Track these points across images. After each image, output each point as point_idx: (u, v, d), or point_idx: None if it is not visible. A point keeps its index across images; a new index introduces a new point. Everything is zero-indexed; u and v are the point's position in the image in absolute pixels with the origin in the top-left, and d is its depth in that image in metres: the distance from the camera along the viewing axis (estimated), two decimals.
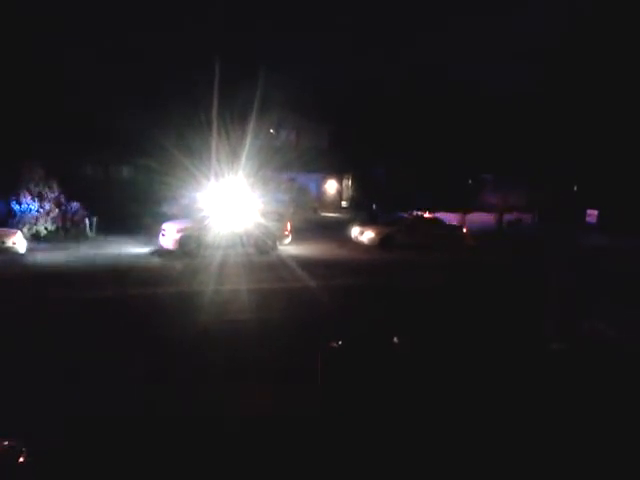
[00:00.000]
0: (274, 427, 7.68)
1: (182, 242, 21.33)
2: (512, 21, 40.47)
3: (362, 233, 25.20)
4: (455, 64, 38.86)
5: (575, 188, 38.81)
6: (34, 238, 23.57)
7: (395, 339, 9.31)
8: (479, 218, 33.28)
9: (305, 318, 13.03)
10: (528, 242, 28.46)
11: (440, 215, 28.24)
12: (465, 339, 10.98)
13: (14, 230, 21.08)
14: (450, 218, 29.74)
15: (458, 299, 15.28)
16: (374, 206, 33.45)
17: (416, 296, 15.49)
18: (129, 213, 26.24)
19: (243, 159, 28.04)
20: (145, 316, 13.11)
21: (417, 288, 16.70)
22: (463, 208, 32.70)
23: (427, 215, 26.75)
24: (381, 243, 24.43)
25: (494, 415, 7.88)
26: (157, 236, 22.21)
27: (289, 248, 23.32)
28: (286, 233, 23.36)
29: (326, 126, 40.49)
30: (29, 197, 24.44)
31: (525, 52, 39.14)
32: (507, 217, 34.39)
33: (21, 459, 5.37)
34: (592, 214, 34.85)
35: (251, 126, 30.75)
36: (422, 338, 10.57)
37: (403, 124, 37.04)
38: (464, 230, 26.85)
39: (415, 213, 27.18)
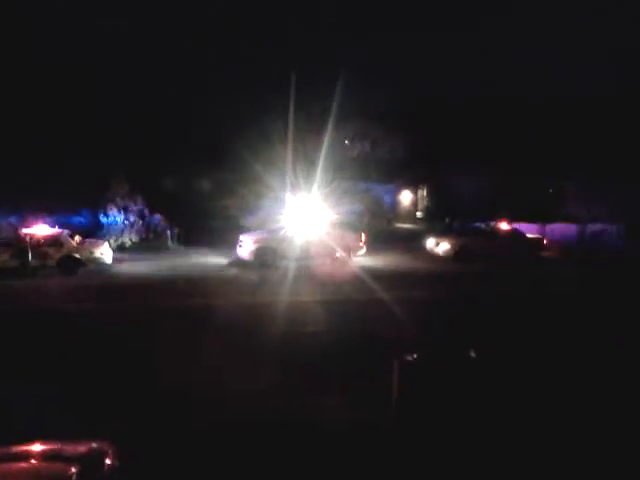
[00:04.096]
0: (349, 439, 7.68)
1: (259, 253, 21.75)
2: (594, 21, 38.69)
3: (437, 244, 24.79)
4: (533, 64, 37.41)
5: None
6: (119, 249, 24.72)
7: (472, 353, 9.10)
8: (560, 229, 31.98)
9: (380, 330, 12.96)
10: (612, 257, 26.89)
11: (519, 226, 27.35)
12: (542, 354, 10.62)
13: (102, 241, 22.16)
14: (529, 229, 28.72)
15: (535, 313, 14.75)
16: (447, 219, 32.85)
17: (492, 309, 15.09)
18: (208, 225, 27.07)
19: (318, 170, 28.30)
20: (224, 325, 13.45)
21: (493, 301, 16.27)
22: (543, 218, 31.55)
23: (505, 226, 25.94)
24: (457, 255, 23.92)
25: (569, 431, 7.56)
26: (234, 247, 22.75)
27: (364, 259, 23.27)
28: (361, 244, 23.34)
29: (401, 136, 40.19)
30: (115, 210, 25.71)
31: (607, 52, 37.47)
32: (590, 228, 32.87)
33: (109, 460, 5.61)
34: None
35: (327, 137, 30.99)
36: (499, 352, 10.29)
37: (480, 132, 36.26)
38: (544, 242, 25.85)
39: (492, 224, 26.43)
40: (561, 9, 38.78)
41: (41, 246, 20.13)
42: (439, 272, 21.72)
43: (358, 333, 12.78)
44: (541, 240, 26.14)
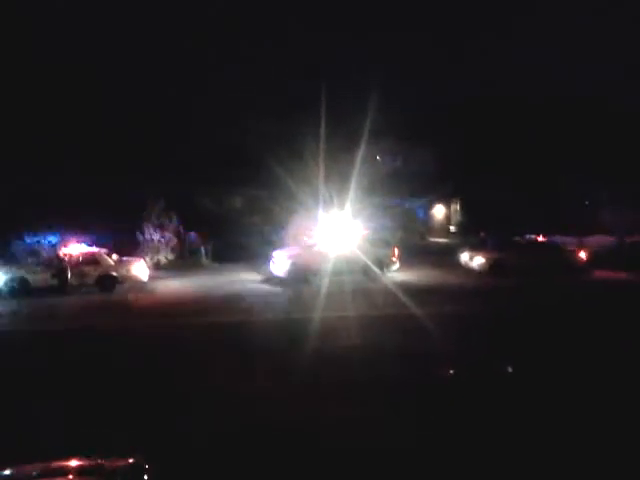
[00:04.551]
0: (383, 455, 7.57)
1: (292, 270, 21.79)
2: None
3: (472, 258, 24.48)
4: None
5: None
6: (155, 266, 25.08)
7: (509, 368, 8.95)
8: (597, 241, 31.20)
9: (415, 346, 12.81)
10: None
11: (555, 239, 26.82)
12: (579, 370, 10.35)
13: (138, 259, 22.52)
14: (566, 241, 28.10)
15: (574, 329, 14.37)
16: (481, 233, 32.39)
17: (529, 324, 14.77)
18: (242, 241, 27.28)
19: (351, 186, 28.33)
20: (260, 341, 13.49)
21: (528, 315, 15.94)
22: (580, 230, 30.88)
23: (541, 239, 25.48)
24: (492, 269, 23.57)
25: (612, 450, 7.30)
26: (268, 264, 22.84)
27: (397, 274, 23.11)
28: (394, 259, 23.21)
29: (433, 150, 40.02)
30: (151, 228, 26.13)
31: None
32: (630, 240, 31.94)
33: (146, 476, 5.64)
34: None
35: (359, 153, 31.05)
36: (537, 368, 10.07)
37: (513, 144, 35.85)
38: (582, 255, 25.24)
39: (528, 237, 26.00)
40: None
41: (79, 265, 20.58)
42: (474, 286, 21.42)
43: (393, 348, 12.65)
44: (578, 252, 25.55)
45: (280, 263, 22.15)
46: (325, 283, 20.72)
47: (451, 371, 8.63)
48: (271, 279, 22.28)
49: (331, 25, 38.11)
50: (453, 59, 36.69)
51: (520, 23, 41.39)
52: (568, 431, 7.90)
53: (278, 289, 20.83)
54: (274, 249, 23.85)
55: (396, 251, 23.49)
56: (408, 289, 19.96)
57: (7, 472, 5.47)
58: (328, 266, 21.66)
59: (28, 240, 25.76)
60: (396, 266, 23.30)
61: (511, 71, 36.31)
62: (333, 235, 23.18)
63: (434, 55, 36.57)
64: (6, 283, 19.90)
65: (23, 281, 20.05)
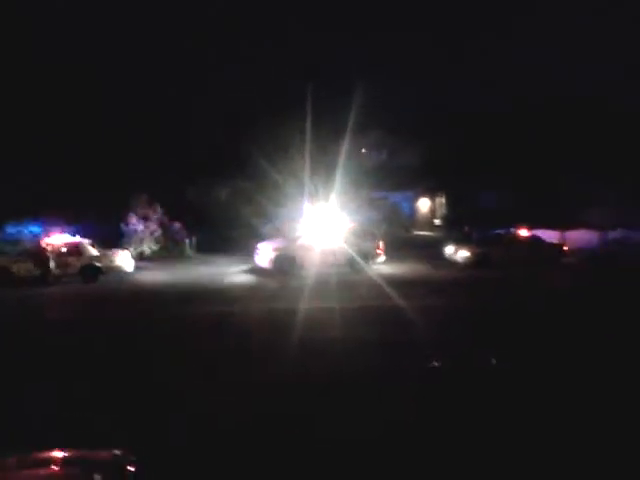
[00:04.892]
0: (371, 448, 7.61)
1: (277, 261, 21.80)
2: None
3: (456, 252, 24.67)
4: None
5: None
6: (140, 257, 24.94)
7: (493, 360, 9.02)
8: (580, 235, 31.55)
9: (400, 338, 12.87)
10: (633, 264, 26.22)
11: (538, 232, 27.08)
12: (562, 362, 10.48)
13: (122, 250, 22.38)
14: (549, 235, 28.41)
15: (556, 321, 14.55)
16: (466, 227, 32.58)
17: (511, 317, 14.92)
18: (227, 233, 27.22)
19: (336, 179, 28.36)
20: (245, 331, 13.48)
21: (512, 308, 16.10)
22: (563, 225, 31.21)
23: (524, 233, 25.71)
24: (476, 262, 23.78)
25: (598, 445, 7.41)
26: (253, 255, 22.81)
27: (382, 267, 23.21)
28: (379, 252, 23.30)
29: (418, 144, 40.16)
30: (135, 219, 25.96)
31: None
32: (612, 235, 32.33)
33: (130, 468, 5.62)
34: None
35: (344, 146, 31.06)
36: (520, 360, 10.17)
37: (497, 140, 36.08)
38: (564, 248, 25.59)
39: (512, 231, 26.22)
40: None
41: (62, 255, 20.42)
42: (458, 279, 21.59)
43: (377, 340, 12.70)
44: (561, 246, 25.90)
45: (265, 255, 22.14)
46: (310, 275, 20.76)
47: (435, 363, 8.67)
48: (256, 271, 22.26)
49: (326, 24, 38.06)
50: (453, 59, 36.83)
51: (520, 23, 41.66)
52: (552, 424, 8.00)
53: (262, 281, 20.81)
54: (259, 241, 23.81)
55: (381, 244, 23.58)
56: (393, 281, 20.05)
57: None
58: (313, 258, 21.72)
59: (10, 230, 25.48)
60: (381, 259, 23.40)
61: (511, 71, 36.52)
62: (318, 227, 23.20)
63: (433, 55, 36.67)
64: None
65: (4, 270, 19.85)
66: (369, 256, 22.85)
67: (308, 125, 30.53)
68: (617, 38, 37.79)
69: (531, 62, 37.25)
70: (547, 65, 37.60)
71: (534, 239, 25.52)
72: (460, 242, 26.30)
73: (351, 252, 22.28)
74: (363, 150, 39.61)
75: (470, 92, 36.47)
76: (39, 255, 20.12)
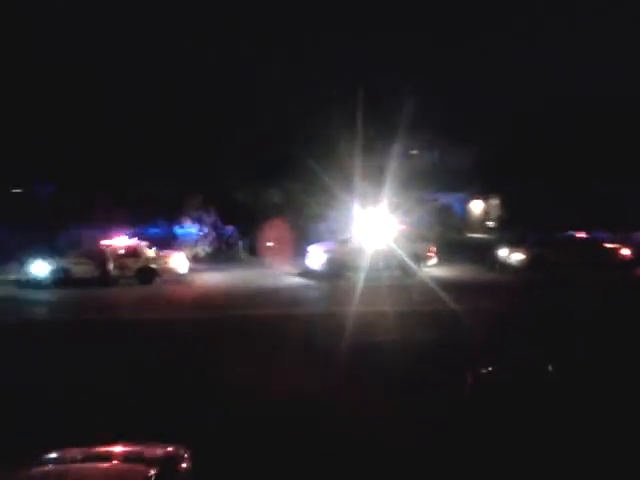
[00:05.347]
0: (419, 454, 7.56)
1: (327, 264, 21.84)
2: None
3: (510, 254, 24.12)
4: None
5: None
6: (194, 259, 25.43)
7: (550, 367, 8.79)
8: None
9: (452, 342, 12.73)
10: None
11: (599, 235, 26.13)
12: (622, 370, 10.10)
13: (177, 252, 22.86)
14: (611, 237, 27.32)
15: (614, 327, 14.02)
16: (521, 228, 31.77)
17: (569, 321, 14.48)
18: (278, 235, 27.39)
19: (387, 180, 28.18)
20: (297, 335, 13.60)
21: (568, 313, 15.61)
22: (624, 227, 30.04)
23: (581, 235, 24.87)
24: (531, 265, 23.18)
25: None
26: (304, 258, 22.91)
27: (434, 270, 22.90)
28: (430, 255, 23.00)
29: (471, 145, 39.48)
30: (190, 222, 26.53)
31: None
32: None
33: (184, 464, 5.78)
34: None
35: (394, 147, 30.85)
36: (578, 367, 9.87)
37: (555, 138, 35.14)
38: (625, 251, 24.57)
39: (568, 233, 25.42)
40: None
41: (120, 257, 21.02)
42: (512, 282, 21.14)
43: (429, 344, 12.60)
44: (621, 249, 24.88)
45: (316, 257, 22.21)
46: (361, 278, 20.67)
47: (489, 368, 8.52)
48: (306, 273, 22.36)
49: (374, 25, 37.89)
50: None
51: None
52: (605, 435, 7.75)
53: (314, 283, 20.91)
54: (310, 243, 23.90)
55: (433, 246, 23.29)
56: (445, 284, 19.75)
57: (54, 455, 5.67)
58: (364, 261, 21.60)
59: (73, 232, 26.41)
60: (433, 261, 23.10)
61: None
62: (369, 229, 23.11)
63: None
64: (50, 273, 20.55)
65: (66, 272, 20.63)
66: (420, 259, 22.59)
67: (358, 126, 30.45)
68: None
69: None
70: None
71: (592, 241, 24.65)
72: (514, 244, 25.63)
73: (402, 255, 22.08)
74: (414, 151, 39.24)
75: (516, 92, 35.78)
76: (98, 257, 20.79)
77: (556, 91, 35.21)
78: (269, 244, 26.73)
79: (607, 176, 33.55)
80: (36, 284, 20.32)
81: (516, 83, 35.48)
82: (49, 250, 22.49)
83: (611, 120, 34.58)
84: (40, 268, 20.63)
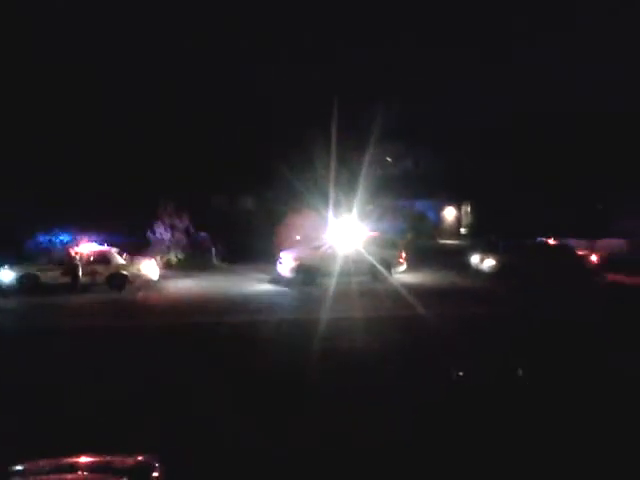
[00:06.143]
0: (392, 455, 7.57)
1: (299, 270, 21.82)
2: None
3: (482, 261, 24.40)
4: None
5: None
6: (166, 265, 25.21)
7: (519, 371, 8.92)
8: (609, 244, 30.94)
9: (422, 347, 12.82)
10: None
11: (567, 241, 26.59)
12: (588, 374, 10.29)
13: (148, 258, 22.62)
14: (578, 244, 27.85)
15: (584, 333, 14.27)
16: (493, 236, 32.18)
17: (540, 327, 14.69)
18: (251, 242, 27.33)
19: (360, 188, 28.32)
20: (266, 342, 13.56)
21: (541, 319, 15.84)
22: (592, 234, 30.63)
23: (552, 242, 25.28)
24: (502, 271, 23.46)
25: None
26: (275, 264, 22.85)
27: (404, 276, 23.07)
28: (400, 261, 23.17)
29: (444, 153, 39.91)
30: (162, 227, 26.26)
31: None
32: None
33: (156, 474, 5.67)
34: None
35: (368, 155, 31.02)
36: (546, 371, 10.04)
37: (525, 147, 35.70)
38: (594, 258, 25.04)
39: (539, 240, 25.81)
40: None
41: (90, 264, 20.71)
42: (483, 289, 21.38)
43: (401, 350, 12.65)
44: (590, 256, 25.34)
45: (287, 264, 22.17)
46: (332, 284, 20.71)
47: (460, 372, 8.61)
48: (278, 280, 22.30)
49: (342, 29, 38.13)
50: (453, 59, 36.55)
51: (520, 23, 41.25)
52: (574, 437, 7.88)
53: (284, 290, 20.87)
54: (282, 250, 23.87)
55: (403, 253, 23.45)
56: (414, 290, 19.94)
57: (19, 467, 5.53)
58: (335, 267, 21.66)
59: (41, 239, 25.97)
60: (403, 267, 23.26)
61: (511, 71, 36.17)
62: (340, 236, 23.17)
63: (434, 55, 36.38)
64: (17, 280, 20.13)
65: (33, 278, 20.24)
66: (391, 265, 22.75)
67: (333, 134, 30.55)
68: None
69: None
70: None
71: (562, 248, 25.05)
72: (486, 251, 25.92)
73: (373, 261, 22.21)
74: (388, 159, 39.54)
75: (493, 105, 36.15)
76: (68, 263, 20.46)
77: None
78: (242, 250, 26.62)
79: (590, 179, 34.03)
80: (1, 291, 19.87)
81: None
82: (17, 257, 22.09)
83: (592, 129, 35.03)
84: (6, 275, 20.21)
